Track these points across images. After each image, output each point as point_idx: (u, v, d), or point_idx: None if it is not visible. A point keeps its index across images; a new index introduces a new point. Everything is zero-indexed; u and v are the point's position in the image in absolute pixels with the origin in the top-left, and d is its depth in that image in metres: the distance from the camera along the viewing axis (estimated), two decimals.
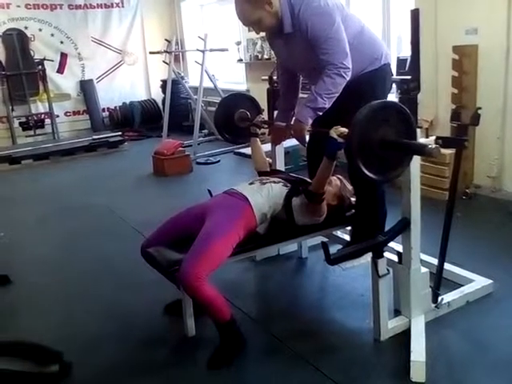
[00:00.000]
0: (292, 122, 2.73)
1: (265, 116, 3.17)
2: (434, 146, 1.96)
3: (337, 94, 2.51)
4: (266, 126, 3.06)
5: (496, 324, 2.47)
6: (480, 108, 2.37)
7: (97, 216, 4.56)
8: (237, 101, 3.18)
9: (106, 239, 3.97)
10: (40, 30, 8.09)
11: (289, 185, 2.64)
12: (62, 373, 2.26)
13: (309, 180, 2.74)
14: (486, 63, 4.12)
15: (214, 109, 8.17)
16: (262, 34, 2.84)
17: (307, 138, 2.81)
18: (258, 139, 3.05)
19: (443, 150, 3.90)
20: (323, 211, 2.57)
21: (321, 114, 2.54)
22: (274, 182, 2.65)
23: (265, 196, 2.54)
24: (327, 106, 2.51)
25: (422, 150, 2.02)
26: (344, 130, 2.23)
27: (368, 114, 1.98)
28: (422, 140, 2.29)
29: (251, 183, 2.70)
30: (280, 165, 3.34)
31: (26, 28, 7.93)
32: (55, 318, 2.85)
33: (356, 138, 1.97)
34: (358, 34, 2.62)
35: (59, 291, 3.18)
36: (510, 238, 3.43)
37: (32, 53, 7.98)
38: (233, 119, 3.09)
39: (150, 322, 2.72)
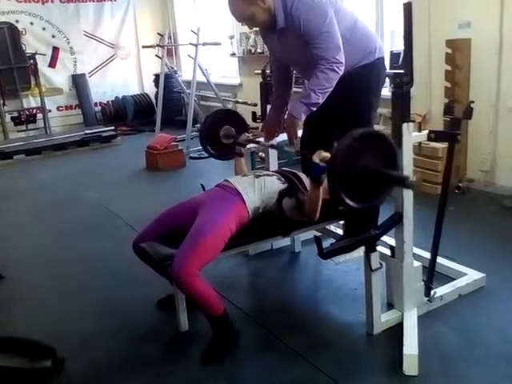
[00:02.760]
0: (285, 118, 2.72)
1: (257, 110, 3.16)
2: (414, 179, 1.99)
3: (330, 89, 2.50)
4: (252, 143, 3.03)
5: (488, 318, 2.49)
6: (473, 102, 2.38)
7: (89, 211, 4.54)
8: (223, 117, 3.14)
9: (98, 234, 3.95)
10: (31, 23, 8.03)
11: (283, 179, 2.63)
12: (54, 368, 2.25)
13: (300, 174, 2.72)
14: (478, 57, 4.12)
15: (207, 103, 8.23)
16: (255, 28, 2.83)
17: (299, 133, 2.81)
18: (242, 159, 3.02)
19: (436, 144, 3.95)
20: (316, 217, 2.56)
21: (314, 109, 2.54)
22: (268, 176, 2.65)
23: (257, 190, 2.53)
24: (321, 101, 2.51)
25: (402, 183, 2.07)
26: (326, 154, 2.23)
27: (350, 143, 1.99)
28: (415, 134, 2.29)
29: (245, 175, 2.69)
30: (273, 159, 3.33)
31: (17, 21, 7.86)
32: (48, 314, 2.84)
33: (337, 168, 1.99)
34: (351, 28, 2.62)
35: (51, 287, 3.17)
36: (503, 231, 3.45)
37: (23, 47, 7.91)
38: (218, 135, 3.07)
39: (142, 318, 2.71)
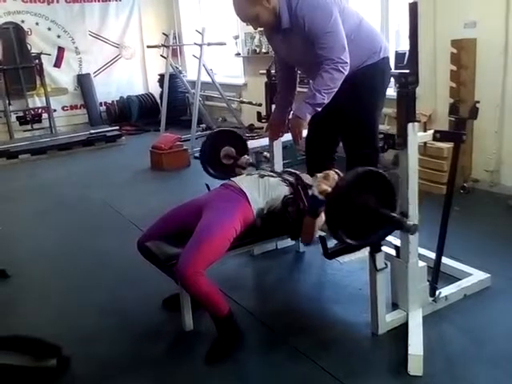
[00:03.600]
0: (290, 118, 2.72)
1: (262, 111, 3.16)
2: (412, 223, 2.00)
3: (335, 89, 2.50)
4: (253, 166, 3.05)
5: (493, 318, 2.48)
6: (478, 102, 2.37)
7: (94, 210, 4.55)
8: (224, 137, 3.16)
9: (103, 233, 3.96)
10: (37, 23, 8.05)
11: (287, 182, 2.63)
12: (60, 367, 2.26)
13: (303, 176, 2.72)
14: (484, 57, 4.11)
15: (211, 103, 8.23)
16: (260, 28, 2.83)
17: (304, 133, 2.81)
18: None
19: (441, 144, 3.94)
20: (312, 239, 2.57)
21: (320, 109, 2.54)
22: (272, 177, 2.65)
23: (262, 190, 2.53)
24: (326, 101, 2.51)
25: (400, 226, 2.12)
26: (326, 187, 2.25)
27: (351, 182, 2.03)
28: (420, 134, 2.29)
29: (249, 174, 2.69)
30: (278, 159, 3.33)
31: (22, 22, 7.88)
32: (53, 313, 2.85)
33: (337, 206, 2.03)
34: (356, 28, 2.62)
35: (57, 285, 3.18)
36: (508, 232, 3.44)
37: (29, 47, 7.93)
38: (218, 155, 3.08)
39: (147, 317, 2.72)
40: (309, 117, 2.57)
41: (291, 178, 2.66)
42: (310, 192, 2.55)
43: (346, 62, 2.47)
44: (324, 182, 2.31)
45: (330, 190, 2.21)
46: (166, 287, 2.73)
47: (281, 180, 2.63)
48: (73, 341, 2.50)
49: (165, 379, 2.25)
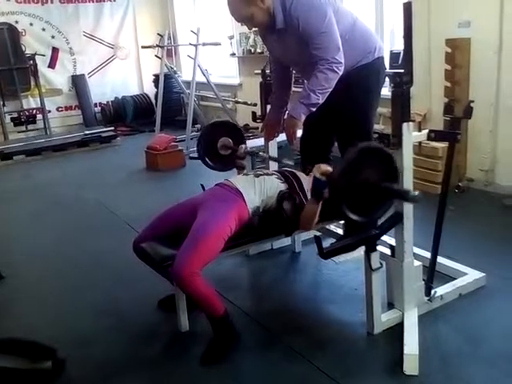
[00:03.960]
0: (285, 118, 2.72)
1: (257, 110, 3.16)
2: (416, 192, 2.01)
3: (330, 89, 2.50)
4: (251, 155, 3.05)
5: (488, 317, 2.49)
6: (472, 101, 2.37)
7: (89, 211, 4.54)
8: (220, 128, 3.15)
9: (98, 234, 3.95)
10: (31, 24, 8.03)
11: (283, 178, 2.63)
12: (55, 369, 2.25)
13: (301, 175, 2.72)
14: (478, 56, 4.12)
15: (206, 103, 8.22)
16: (255, 28, 2.83)
17: (299, 133, 2.81)
18: (243, 172, 3.02)
19: (436, 144, 3.95)
20: (311, 228, 2.57)
21: (314, 109, 2.54)
22: (268, 175, 2.64)
23: (258, 189, 2.53)
24: (321, 101, 2.51)
25: (404, 196, 2.11)
26: (326, 168, 2.25)
27: (353, 158, 2.02)
28: (415, 134, 2.29)
29: (245, 174, 2.69)
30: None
31: (16, 22, 7.85)
32: (49, 314, 2.84)
33: (340, 184, 2.03)
34: (351, 28, 2.62)
35: (52, 287, 3.17)
36: (503, 231, 3.45)
37: (23, 47, 7.90)
38: (216, 147, 3.08)
39: (143, 318, 2.71)
40: (303, 117, 2.57)
41: (287, 174, 2.67)
42: (304, 185, 2.55)
43: (341, 62, 2.47)
44: (323, 165, 2.30)
45: (330, 169, 2.21)
46: (161, 288, 2.72)
47: (276, 177, 2.63)
48: (68, 342, 2.49)
49: (161, 380, 2.24)
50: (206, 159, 3.12)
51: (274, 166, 3.32)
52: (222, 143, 3.09)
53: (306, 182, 2.64)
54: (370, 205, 2.11)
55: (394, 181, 2.11)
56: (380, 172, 2.08)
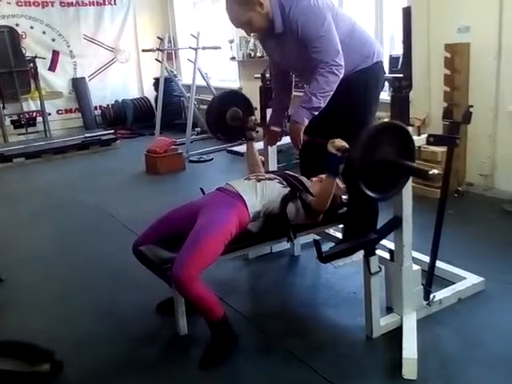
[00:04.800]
0: (288, 124, 2.72)
1: (257, 114, 3.16)
2: (436, 171, 1.98)
3: (331, 93, 2.50)
4: (260, 127, 3.04)
5: (487, 321, 2.49)
6: (472, 106, 2.38)
7: (89, 214, 4.54)
8: (229, 99, 3.15)
9: (97, 237, 3.95)
10: (31, 27, 8.05)
11: (284, 183, 2.63)
12: (53, 372, 2.24)
13: (304, 179, 2.72)
14: (477, 61, 4.13)
15: (206, 107, 8.21)
16: (253, 33, 2.83)
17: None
18: (254, 143, 3.04)
19: (435, 148, 3.95)
20: (319, 219, 2.57)
21: (316, 113, 2.54)
22: (270, 179, 2.64)
23: (259, 194, 2.53)
24: (322, 105, 2.50)
25: (422, 174, 2.06)
26: (341, 143, 2.24)
27: (370, 134, 2.00)
28: (414, 138, 2.30)
29: (246, 178, 2.69)
30: (273, 163, 3.34)
31: (17, 25, 7.87)
32: (46, 317, 2.84)
33: (358, 159, 1.99)
34: (349, 33, 2.62)
35: (51, 290, 3.16)
36: (502, 235, 3.45)
37: (23, 50, 7.92)
38: (225, 118, 3.07)
39: (142, 321, 2.71)
40: (306, 121, 2.56)
41: (289, 178, 2.67)
42: (308, 187, 2.53)
43: (341, 65, 2.47)
44: (338, 141, 2.28)
45: (346, 145, 2.20)
46: (160, 291, 2.72)
47: (278, 182, 2.63)
48: (67, 345, 2.49)
49: (159, 383, 2.24)
50: (215, 130, 3.12)
51: (273, 169, 3.32)
52: (231, 114, 3.08)
53: (309, 184, 2.65)
54: (386, 182, 2.08)
55: (410, 158, 2.08)
56: (397, 149, 2.04)
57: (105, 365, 2.37)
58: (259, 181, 2.62)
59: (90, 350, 2.49)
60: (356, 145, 2.01)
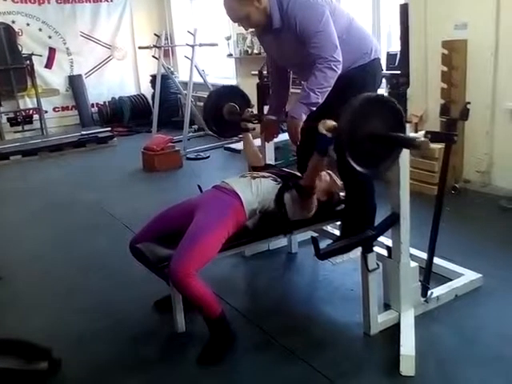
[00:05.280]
0: (286, 120, 2.72)
1: (254, 111, 3.15)
2: (423, 138, 1.96)
3: (329, 88, 2.49)
4: (256, 120, 3.04)
5: (484, 318, 2.49)
6: (469, 103, 2.38)
7: (86, 212, 4.53)
8: (226, 93, 3.14)
9: (95, 235, 3.95)
10: (28, 24, 8.02)
11: (279, 180, 2.64)
12: (51, 370, 2.24)
13: (299, 174, 2.73)
14: (475, 58, 4.13)
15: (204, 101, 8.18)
16: (251, 29, 2.83)
17: None
18: (249, 134, 3.03)
19: (433, 145, 3.95)
20: (313, 206, 2.57)
21: (314, 109, 2.53)
22: (264, 177, 2.65)
23: (255, 191, 2.53)
24: (320, 100, 2.49)
25: (411, 143, 2.04)
26: (332, 123, 2.23)
27: (356, 108, 1.98)
28: (411, 135, 2.29)
29: (242, 176, 2.69)
30: (270, 160, 3.33)
31: (13, 22, 7.84)
32: (44, 315, 2.83)
33: (345, 132, 1.98)
34: (347, 29, 2.61)
35: (49, 288, 3.16)
36: (499, 232, 3.46)
37: (20, 47, 7.89)
38: (221, 112, 3.07)
39: (139, 319, 2.71)
40: (304, 117, 2.55)
41: (283, 174, 2.67)
42: None
43: (339, 61, 2.46)
44: (329, 121, 2.27)
45: (335, 124, 2.18)
46: (157, 289, 2.71)
47: (272, 179, 2.63)
48: (65, 343, 2.49)
49: (157, 381, 2.24)
50: (212, 125, 3.11)
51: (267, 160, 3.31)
52: (228, 108, 3.07)
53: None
54: (376, 156, 2.07)
55: (400, 131, 2.06)
56: (385, 122, 2.03)
57: (102, 362, 2.37)
58: (254, 178, 2.62)
59: (88, 347, 2.49)
60: (342, 119, 2.00)
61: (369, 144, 2.01)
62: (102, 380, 2.27)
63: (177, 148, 6.07)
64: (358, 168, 2.01)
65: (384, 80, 2.83)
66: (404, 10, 2.16)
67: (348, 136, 1.98)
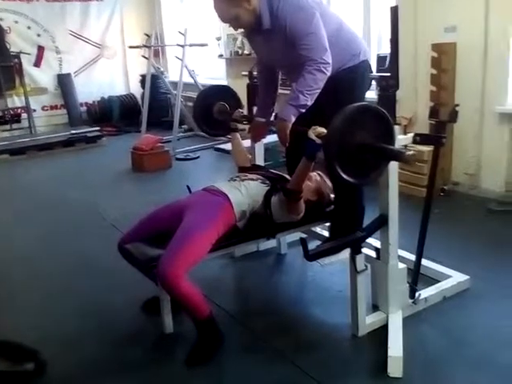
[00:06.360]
0: (275, 121, 2.71)
1: (244, 111, 3.15)
2: (410, 152, 1.98)
3: (318, 90, 2.49)
4: (246, 121, 3.04)
5: (472, 319, 2.51)
6: (458, 105, 2.39)
7: (74, 212, 4.50)
8: (216, 93, 3.14)
9: (83, 235, 3.92)
10: (16, 22, 7.95)
11: (267, 182, 2.64)
12: (37, 371, 2.22)
13: (288, 177, 2.73)
14: (464, 61, 4.16)
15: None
16: (241, 29, 2.82)
17: None
18: (238, 134, 3.03)
19: (422, 147, 3.97)
20: (301, 210, 2.57)
21: (303, 110, 2.53)
22: (252, 180, 2.65)
23: (244, 193, 2.53)
24: (309, 102, 2.49)
25: (399, 156, 2.05)
26: (322, 130, 2.24)
27: (346, 118, 1.98)
28: (400, 137, 2.30)
29: (230, 180, 2.69)
30: (259, 161, 3.33)
31: (1, 20, 7.76)
32: (31, 316, 2.81)
33: (334, 142, 1.99)
34: (337, 31, 2.62)
35: (35, 289, 3.13)
36: (487, 234, 3.48)
37: (8, 45, 7.83)
38: (211, 111, 3.06)
39: (127, 320, 2.69)
40: (293, 118, 2.55)
41: (271, 176, 2.67)
42: None
43: (329, 63, 2.47)
44: (320, 128, 2.28)
45: (325, 131, 2.18)
46: (146, 289, 2.70)
47: (260, 182, 2.63)
48: (52, 344, 2.47)
49: (145, 382, 2.23)
50: (202, 124, 3.10)
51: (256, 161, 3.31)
52: (218, 108, 3.07)
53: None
54: (365, 166, 2.07)
55: (389, 142, 2.07)
56: (375, 133, 2.03)
57: (90, 364, 2.35)
58: (243, 180, 2.63)
59: (75, 348, 2.47)
60: (332, 128, 2.00)
61: (357, 154, 2.02)
62: (88, 381, 2.25)
63: (166, 148, 6.05)
64: (346, 177, 2.02)
65: (374, 82, 2.84)
66: (394, 12, 2.16)
67: (337, 146, 1.98)
